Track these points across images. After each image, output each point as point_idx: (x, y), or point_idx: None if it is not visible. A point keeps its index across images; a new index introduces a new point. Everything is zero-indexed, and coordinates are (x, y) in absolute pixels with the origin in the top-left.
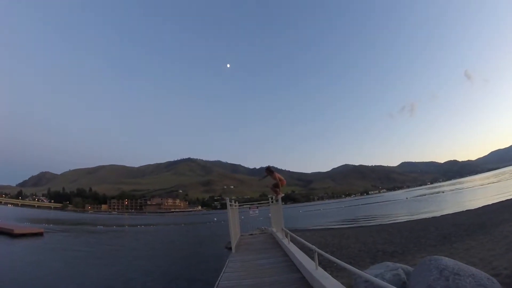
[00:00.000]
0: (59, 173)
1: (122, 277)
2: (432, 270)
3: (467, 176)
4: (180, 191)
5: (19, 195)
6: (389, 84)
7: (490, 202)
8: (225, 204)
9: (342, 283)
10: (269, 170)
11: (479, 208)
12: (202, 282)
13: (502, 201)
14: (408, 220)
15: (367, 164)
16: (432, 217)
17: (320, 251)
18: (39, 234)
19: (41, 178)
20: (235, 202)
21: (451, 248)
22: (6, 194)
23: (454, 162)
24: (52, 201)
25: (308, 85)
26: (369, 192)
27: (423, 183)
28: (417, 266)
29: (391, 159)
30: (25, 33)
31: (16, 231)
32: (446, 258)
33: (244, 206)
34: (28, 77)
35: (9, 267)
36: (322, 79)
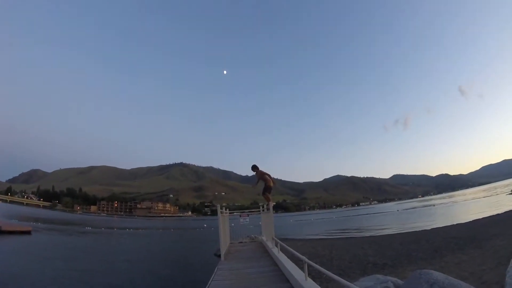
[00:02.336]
0: (50, 171)
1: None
2: (423, 284)
3: (458, 190)
4: (171, 195)
5: (8, 191)
6: (384, 97)
7: (480, 216)
8: (216, 210)
9: None
10: (255, 167)
11: (470, 222)
12: None
13: (492, 216)
14: (399, 232)
15: (359, 175)
16: (423, 230)
17: (309, 261)
18: (27, 232)
19: (31, 175)
20: (225, 209)
21: (442, 261)
22: None
23: (446, 176)
24: (42, 199)
25: (304, 96)
26: (360, 204)
27: (415, 195)
28: (407, 280)
29: (383, 171)
30: (20, 28)
31: (4, 228)
32: (437, 272)
33: (235, 213)
34: (26, 75)
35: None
36: (318, 89)
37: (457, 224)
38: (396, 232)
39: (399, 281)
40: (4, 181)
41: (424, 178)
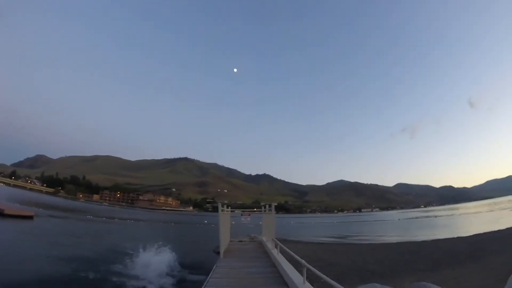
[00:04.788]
0: (55, 157)
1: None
2: None
3: (461, 203)
4: (174, 189)
5: (12, 175)
6: (393, 105)
7: (482, 231)
8: (217, 207)
9: None
10: None
11: (471, 236)
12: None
13: (494, 231)
14: (399, 241)
15: (362, 182)
16: (423, 241)
17: (308, 265)
18: (29, 217)
19: (36, 161)
20: (227, 207)
21: (440, 274)
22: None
23: (450, 188)
24: (45, 185)
25: (311, 98)
26: (362, 210)
27: (417, 205)
28: None
29: (387, 179)
30: (26, 13)
31: (7, 211)
32: (435, 285)
33: (236, 212)
34: (34, 60)
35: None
36: (326, 92)
37: (457, 237)
38: (396, 241)
39: None
40: (9, 164)
41: (428, 188)
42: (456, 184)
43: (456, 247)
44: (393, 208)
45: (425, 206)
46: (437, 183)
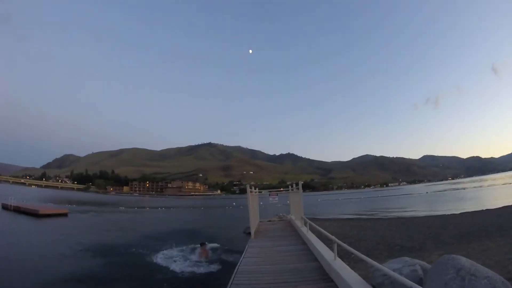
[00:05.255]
0: (82, 155)
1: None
2: (450, 269)
3: (489, 174)
4: (200, 175)
5: (43, 176)
6: (415, 74)
7: (510, 203)
8: (244, 189)
9: (359, 275)
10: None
11: (499, 208)
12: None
13: None
14: (427, 215)
15: (388, 156)
16: (451, 214)
17: (339, 241)
18: (64, 215)
19: (64, 160)
20: (255, 189)
21: (468, 248)
22: (30, 176)
23: (477, 159)
24: (75, 182)
25: (331, 72)
26: (389, 184)
27: (444, 178)
28: (434, 264)
29: (413, 152)
30: (55, 12)
31: (42, 212)
32: (464, 258)
33: (263, 192)
34: (56, 62)
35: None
36: (347, 65)
37: (486, 210)
38: (424, 215)
39: (427, 265)
40: (38, 167)
41: (455, 160)
42: (484, 155)
43: (484, 220)
44: (420, 182)
45: (452, 179)
46: (464, 154)
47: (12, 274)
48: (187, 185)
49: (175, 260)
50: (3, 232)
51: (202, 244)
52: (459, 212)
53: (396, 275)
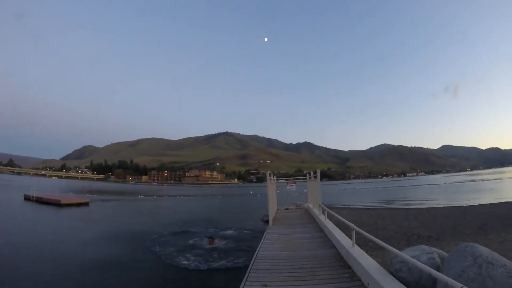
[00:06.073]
0: (101, 146)
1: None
2: (467, 256)
3: (509, 166)
4: (217, 164)
5: (63, 167)
6: (434, 62)
7: None
8: (261, 178)
9: (377, 262)
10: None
11: None
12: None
13: None
14: (444, 206)
15: (406, 145)
16: (469, 206)
17: (358, 229)
18: (85, 204)
19: (83, 152)
20: (273, 177)
21: (486, 239)
22: (50, 167)
23: (497, 150)
24: (95, 172)
25: (350, 60)
26: (407, 174)
27: (463, 169)
28: (453, 251)
29: (432, 141)
30: (69, 8)
31: (63, 202)
32: (481, 246)
33: (281, 181)
34: (73, 56)
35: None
36: (365, 54)
37: (504, 202)
38: (442, 206)
39: (444, 253)
40: (58, 158)
41: (474, 150)
42: (504, 146)
43: (502, 212)
44: (438, 172)
45: (471, 170)
46: (483, 145)
47: (40, 261)
48: (205, 174)
49: (191, 247)
50: (28, 221)
51: (210, 238)
52: (477, 204)
53: (415, 261)
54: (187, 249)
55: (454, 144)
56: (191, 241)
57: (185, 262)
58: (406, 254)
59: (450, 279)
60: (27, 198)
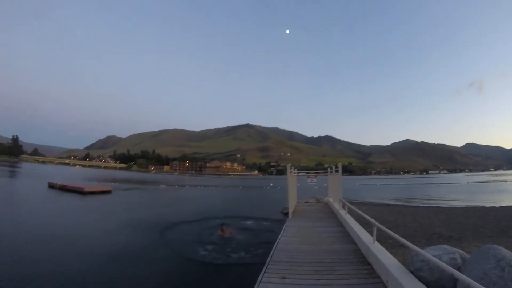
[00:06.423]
0: (124, 136)
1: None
2: (490, 258)
3: None
4: (238, 155)
5: (87, 157)
6: (458, 57)
7: None
8: (281, 170)
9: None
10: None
11: None
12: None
13: None
14: (466, 206)
15: (429, 142)
16: (492, 207)
17: (379, 225)
18: (108, 192)
19: (107, 142)
20: (294, 169)
21: (508, 242)
22: (74, 156)
23: None
24: (118, 162)
25: (372, 54)
26: (429, 172)
27: (486, 168)
28: (475, 253)
29: (455, 139)
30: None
31: (86, 190)
32: (505, 249)
33: (301, 174)
34: (96, 49)
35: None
36: (388, 48)
37: None
38: (463, 205)
39: (465, 254)
40: (82, 148)
41: (498, 150)
42: None
43: None
44: (461, 171)
45: (494, 170)
46: (507, 144)
47: (66, 247)
48: (225, 165)
49: (209, 237)
50: (51, 209)
51: (222, 225)
52: (499, 205)
53: (437, 260)
54: (206, 239)
55: (478, 143)
56: (210, 231)
57: (204, 253)
58: (427, 253)
59: (472, 281)
60: (51, 186)
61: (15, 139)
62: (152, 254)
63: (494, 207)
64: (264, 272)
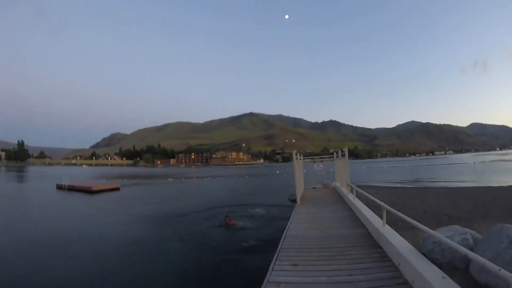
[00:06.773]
0: (129, 132)
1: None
2: (503, 238)
3: None
4: (243, 144)
5: (93, 155)
6: (462, 35)
7: None
8: (287, 157)
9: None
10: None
11: None
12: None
13: None
14: (474, 186)
15: (434, 122)
16: (499, 187)
17: (388, 207)
18: (116, 189)
19: (112, 139)
20: (300, 156)
21: None
22: (81, 156)
23: None
24: (124, 158)
25: (376, 34)
26: (435, 153)
27: (492, 148)
28: (487, 233)
29: (461, 119)
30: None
31: (95, 188)
32: None
33: (307, 160)
34: (101, 48)
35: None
36: (391, 27)
37: None
38: (471, 186)
39: (477, 234)
40: (88, 147)
41: (504, 129)
42: None
43: None
44: (467, 151)
45: (500, 149)
46: None
47: (80, 244)
48: (231, 155)
49: (218, 227)
50: (61, 209)
51: (226, 216)
52: (507, 185)
53: (450, 241)
54: (215, 230)
55: (484, 122)
56: (220, 221)
57: (213, 244)
58: (439, 234)
59: (487, 261)
60: (59, 187)
61: (21, 144)
62: (165, 244)
63: (502, 187)
64: (276, 259)
